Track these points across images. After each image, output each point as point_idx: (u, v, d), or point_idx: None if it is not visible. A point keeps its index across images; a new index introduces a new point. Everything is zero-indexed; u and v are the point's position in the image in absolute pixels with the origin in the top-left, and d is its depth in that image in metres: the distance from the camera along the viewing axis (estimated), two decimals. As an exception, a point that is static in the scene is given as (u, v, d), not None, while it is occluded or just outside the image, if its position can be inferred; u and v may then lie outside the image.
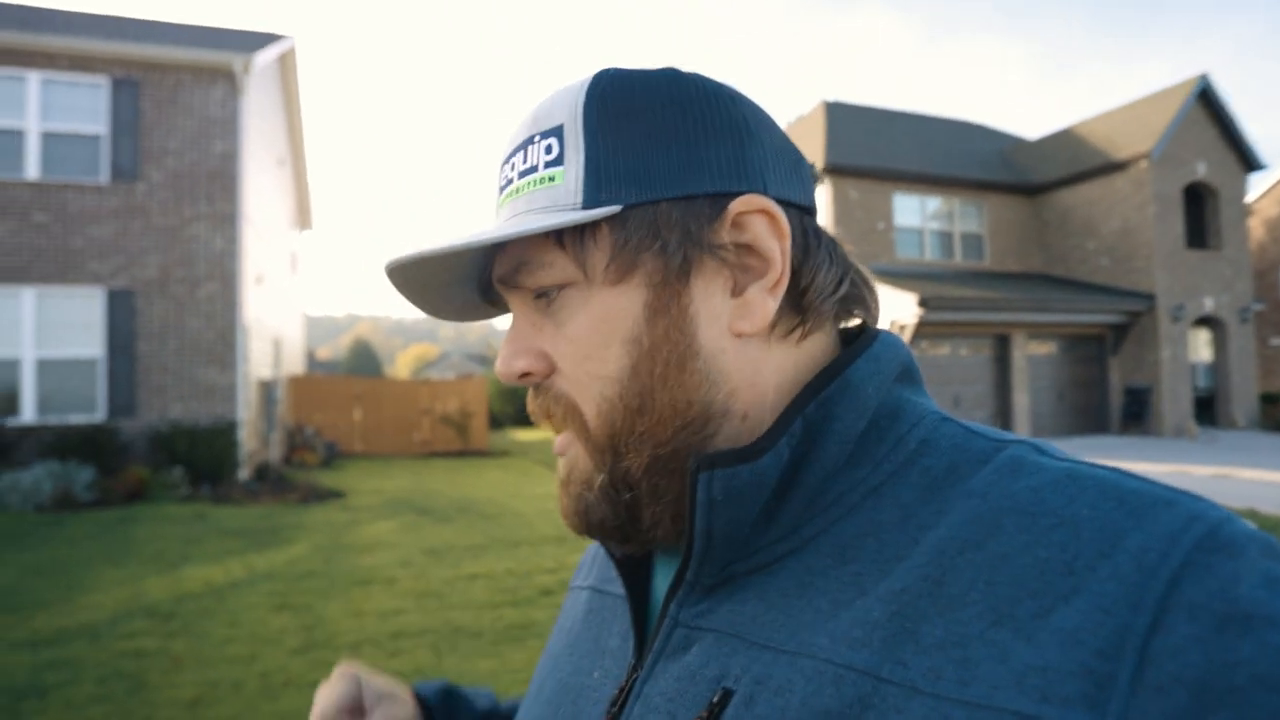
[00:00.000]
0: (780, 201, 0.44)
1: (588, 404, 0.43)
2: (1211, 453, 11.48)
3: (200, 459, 8.97)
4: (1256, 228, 24.38)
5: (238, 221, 10.03)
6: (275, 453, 12.22)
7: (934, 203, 15.32)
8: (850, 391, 0.42)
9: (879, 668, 0.33)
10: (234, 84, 10.16)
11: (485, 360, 58.91)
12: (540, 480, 11.19)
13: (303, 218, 18.14)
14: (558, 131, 0.44)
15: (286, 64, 13.59)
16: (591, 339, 0.43)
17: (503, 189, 0.47)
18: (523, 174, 0.45)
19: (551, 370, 0.45)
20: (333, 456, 13.69)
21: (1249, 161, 15.43)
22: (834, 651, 0.35)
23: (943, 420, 0.43)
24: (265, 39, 11.72)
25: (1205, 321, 15.18)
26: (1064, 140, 16.76)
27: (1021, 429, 13.56)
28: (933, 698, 0.32)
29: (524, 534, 6.97)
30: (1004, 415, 13.75)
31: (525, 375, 0.45)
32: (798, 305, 0.45)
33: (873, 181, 14.45)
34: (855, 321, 0.49)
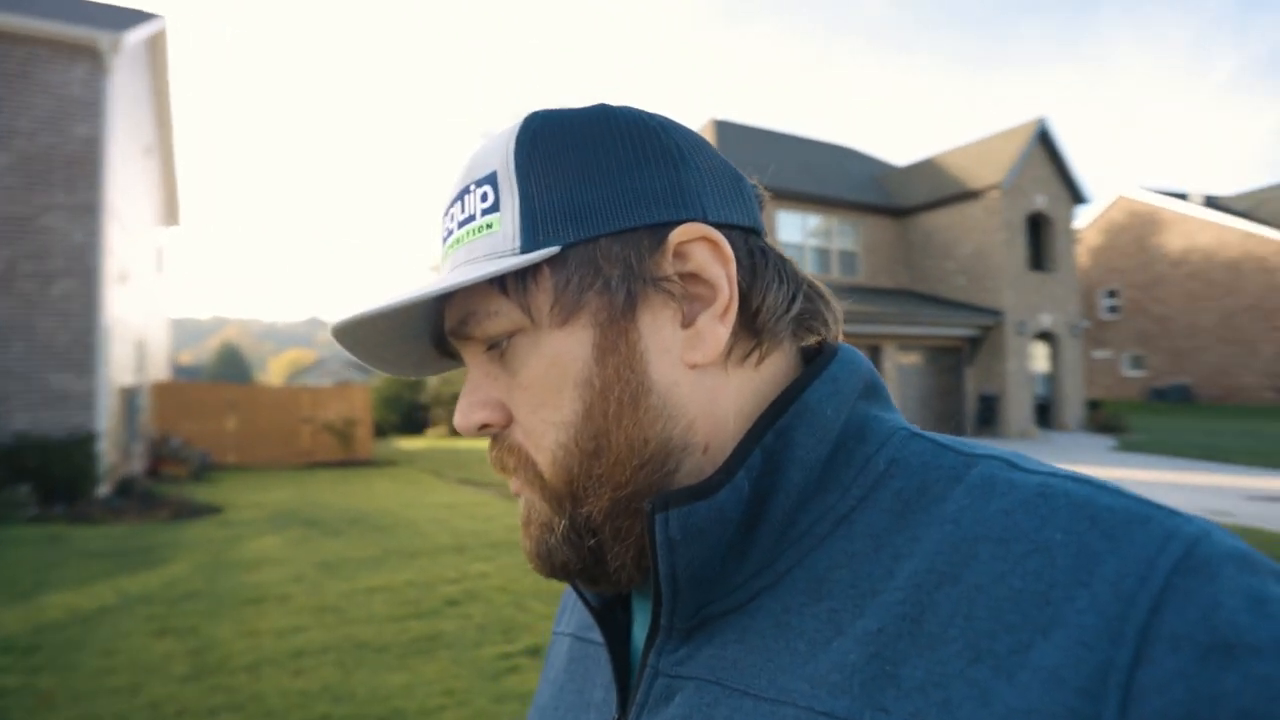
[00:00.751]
0: (722, 225, 0.43)
1: (542, 453, 0.43)
2: (1049, 452, 12.96)
3: (53, 475, 8.15)
4: (1082, 254, 27.75)
5: (100, 213, 9.21)
6: (137, 465, 11.26)
7: (814, 221, 16.35)
8: (808, 416, 0.41)
9: (859, 715, 0.33)
10: (99, 63, 9.33)
11: (364, 367, 56.27)
12: (431, 489, 10.97)
13: (170, 212, 16.77)
14: (491, 179, 0.43)
15: (156, 46, 12.60)
16: (544, 385, 0.42)
17: (444, 240, 0.46)
18: (461, 224, 0.44)
19: (509, 420, 0.44)
20: (204, 469, 12.75)
21: (1077, 195, 17.56)
22: (814, 698, 0.35)
23: (911, 436, 0.42)
24: (135, 17, 10.83)
25: (1043, 336, 17.08)
26: (927, 169, 18.38)
27: (891, 433, 14.71)
28: None
29: (420, 545, 6.87)
30: (876, 421, 14.86)
31: (484, 427, 0.45)
32: (751, 328, 0.44)
33: (760, 199, 15.22)
34: (814, 339, 0.48)
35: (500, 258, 0.42)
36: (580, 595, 0.49)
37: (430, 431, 24.05)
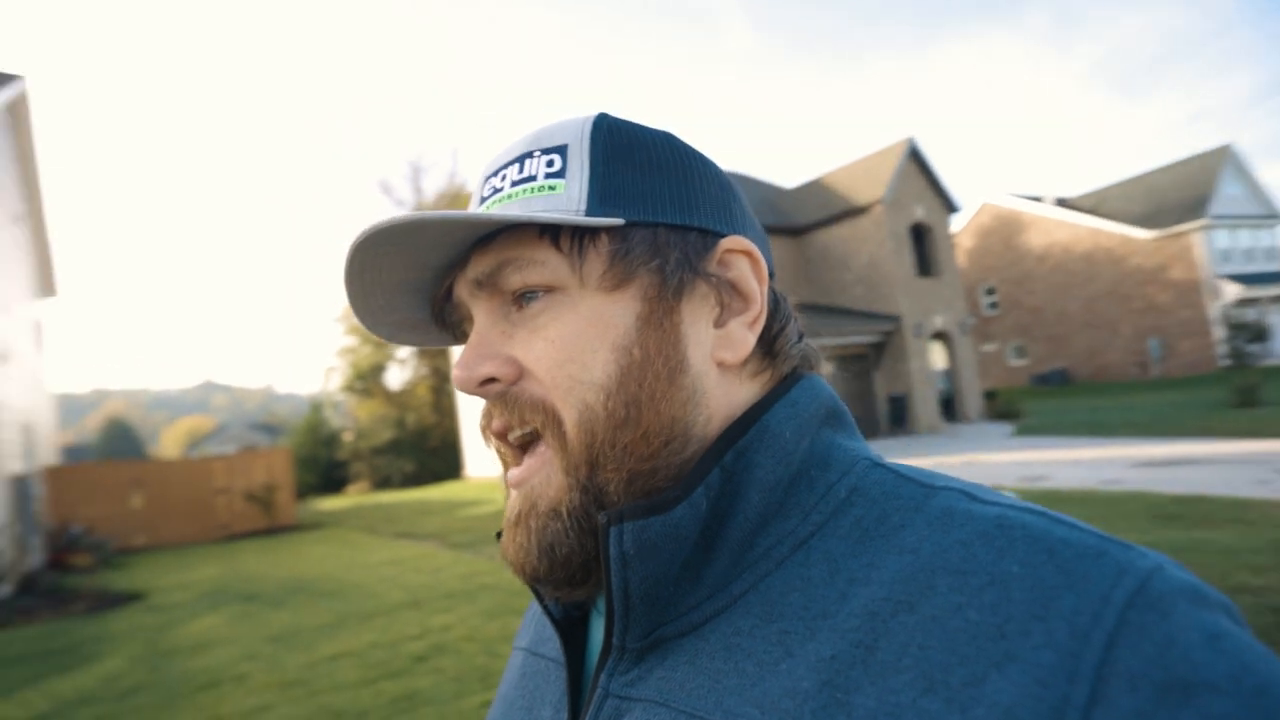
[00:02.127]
0: None
1: (567, 409, 0.42)
2: (957, 444, 13.95)
3: (-54, 581, 7.41)
4: (960, 257, 30.23)
5: (-26, 294, 8.54)
6: (36, 559, 10.33)
7: (720, 245, 17.05)
8: (768, 438, 0.42)
9: None
10: (-39, 135, 8.72)
11: (270, 429, 53.28)
12: (368, 548, 10.63)
13: (45, 283, 15.58)
14: (561, 149, 0.45)
15: (18, 109, 11.83)
16: (576, 342, 0.42)
17: (485, 199, 0.46)
18: (517, 183, 0.45)
19: (519, 376, 0.44)
20: (112, 554, 11.82)
21: (950, 204, 19.18)
22: None
23: (873, 466, 0.42)
24: (-5, 82, 10.18)
25: (938, 336, 18.43)
26: (815, 189, 19.63)
27: (813, 440, 15.40)
28: None
29: (373, 605, 6.71)
30: (797, 430, 15.53)
31: (489, 382, 0.44)
32: (769, 349, 0.47)
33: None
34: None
35: (562, 214, 0.43)
36: (544, 608, 0.48)
37: (352, 489, 23.11)
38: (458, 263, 0.46)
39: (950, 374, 18.59)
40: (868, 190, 17.65)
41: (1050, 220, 28.43)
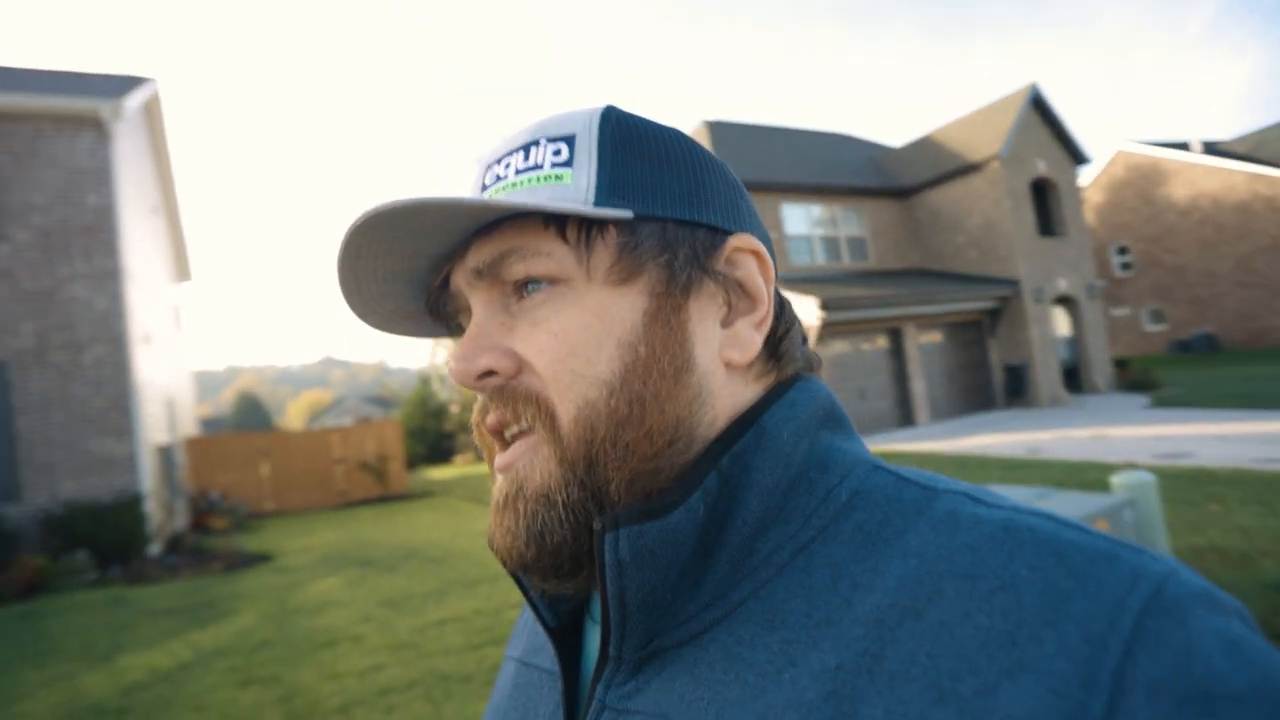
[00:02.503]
0: None
1: (565, 404, 0.41)
2: (1084, 416, 12.86)
3: (106, 539, 8.22)
4: (1088, 214, 27.53)
5: (120, 278, 9.33)
6: (181, 522, 11.34)
7: (817, 210, 16.33)
8: (766, 440, 0.41)
9: None
10: (102, 131, 9.47)
11: (383, 402, 56.57)
12: (474, 517, 10.99)
13: (181, 268, 16.96)
14: (569, 139, 0.44)
15: (152, 108, 12.77)
16: (581, 336, 0.41)
17: (487, 187, 0.45)
18: (521, 171, 0.44)
19: (518, 370, 0.42)
20: (245, 519, 12.84)
21: (1077, 156, 17.47)
22: None
23: (874, 469, 0.42)
24: (129, 83, 10.99)
25: (1062, 300, 16.98)
26: (925, 147, 18.36)
27: (921, 413, 14.64)
28: None
29: (478, 573, 6.88)
30: (905, 402, 14.79)
31: (487, 375, 0.42)
32: (774, 351, 0.46)
33: (761, 194, 15.23)
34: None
35: (570, 204, 0.41)
36: (539, 616, 0.46)
37: (458, 459, 24.10)
38: (456, 251, 0.45)
39: (1075, 341, 17.12)
40: (983, 145, 16.32)
41: (1197, 168, 25.41)
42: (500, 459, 0.43)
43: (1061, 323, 17.37)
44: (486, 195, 0.45)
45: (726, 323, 0.45)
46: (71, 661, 5.16)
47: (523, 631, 0.56)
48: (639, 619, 0.39)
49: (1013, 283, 15.55)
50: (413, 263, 0.45)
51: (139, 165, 11.88)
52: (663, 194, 0.43)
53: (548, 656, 0.49)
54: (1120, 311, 27.60)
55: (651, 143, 0.45)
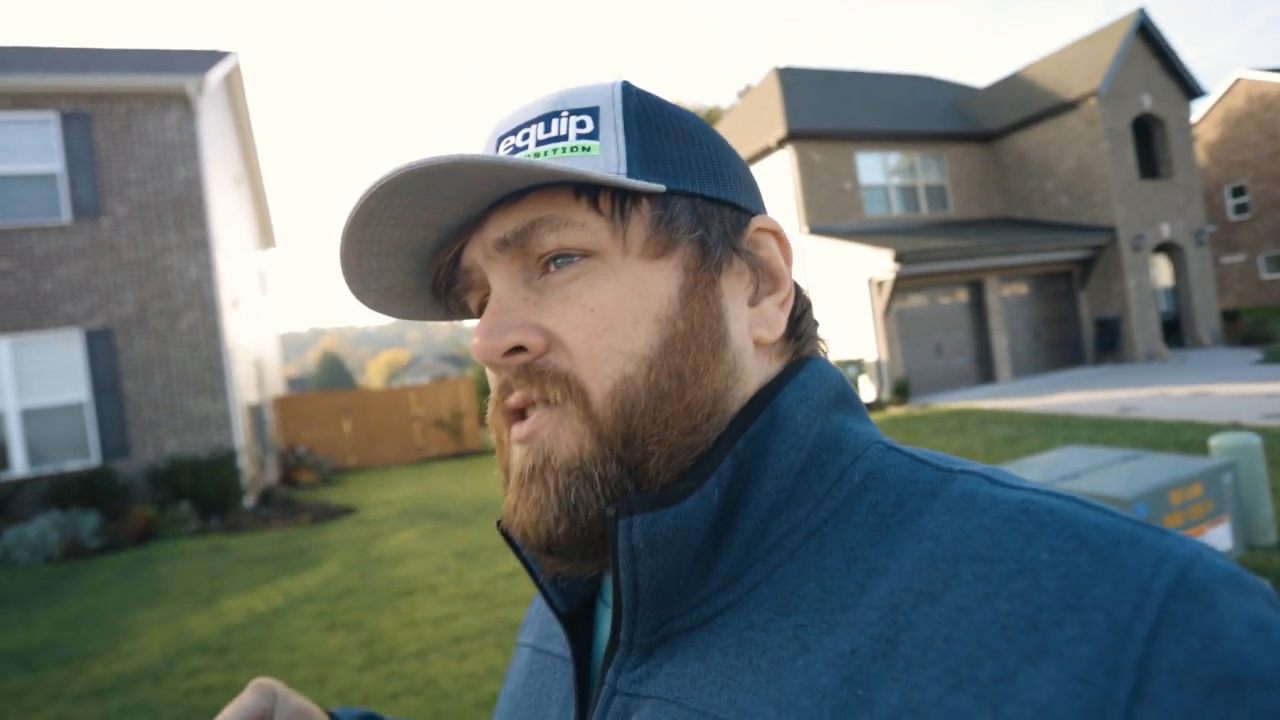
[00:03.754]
0: None
1: (600, 381, 0.39)
2: (1184, 373, 11.98)
3: (205, 491, 8.86)
4: (1199, 152, 25.15)
5: (210, 247, 9.83)
6: (272, 476, 12.09)
7: (895, 158, 15.56)
8: (780, 423, 0.40)
9: None
10: (188, 106, 9.89)
11: (458, 360, 58.46)
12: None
13: (265, 236, 17.75)
14: (592, 111, 0.42)
15: (233, 81, 13.22)
16: (617, 311, 0.40)
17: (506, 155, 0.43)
18: (543, 142, 0.42)
19: (547, 347, 0.40)
20: (330, 473, 13.58)
21: (1190, 89, 15.91)
22: None
23: (888, 450, 0.41)
24: (212, 57, 11.40)
25: (1164, 248, 15.73)
26: (1013, 85, 17.10)
27: (1003, 370, 13.98)
28: None
29: (548, 527, 7.05)
30: (985, 358, 14.14)
31: (514, 351, 0.40)
32: (794, 331, 0.47)
33: (834, 143, 14.61)
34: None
35: (613, 175, 0.40)
36: (550, 602, 0.46)
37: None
38: (471, 223, 0.43)
39: (1178, 292, 15.88)
40: (1079, 81, 15.05)
41: (1327, 97, 22.82)
42: (520, 429, 0.41)
43: (1164, 272, 16.13)
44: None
45: (753, 301, 0.44)
46: (178, 603, 5.61)
47: (536, 618, 0.56)
48: (651, 605, 0.38)
49: (1108, 230, 14.47)
50: (421, 235, 0.43)
51: (223, 137, 12.38)
52: (691, 170, 0.43)
53: (560, 643, 0.49)
54: (1233, 259, 25.33)
55: (674, 120, 0.44)
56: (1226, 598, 0.28)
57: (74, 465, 8.91)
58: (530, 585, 5.16)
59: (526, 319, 0.41)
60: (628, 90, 0.44)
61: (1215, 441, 2.94)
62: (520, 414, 0.41)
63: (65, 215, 9.27)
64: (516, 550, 0.46)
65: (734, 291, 0.43)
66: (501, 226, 0.41)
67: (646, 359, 0.39)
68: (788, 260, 0.46)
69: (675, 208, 0.42)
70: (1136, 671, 0.27)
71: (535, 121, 0.43)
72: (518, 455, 0.41)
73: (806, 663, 0.33)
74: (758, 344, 0.44)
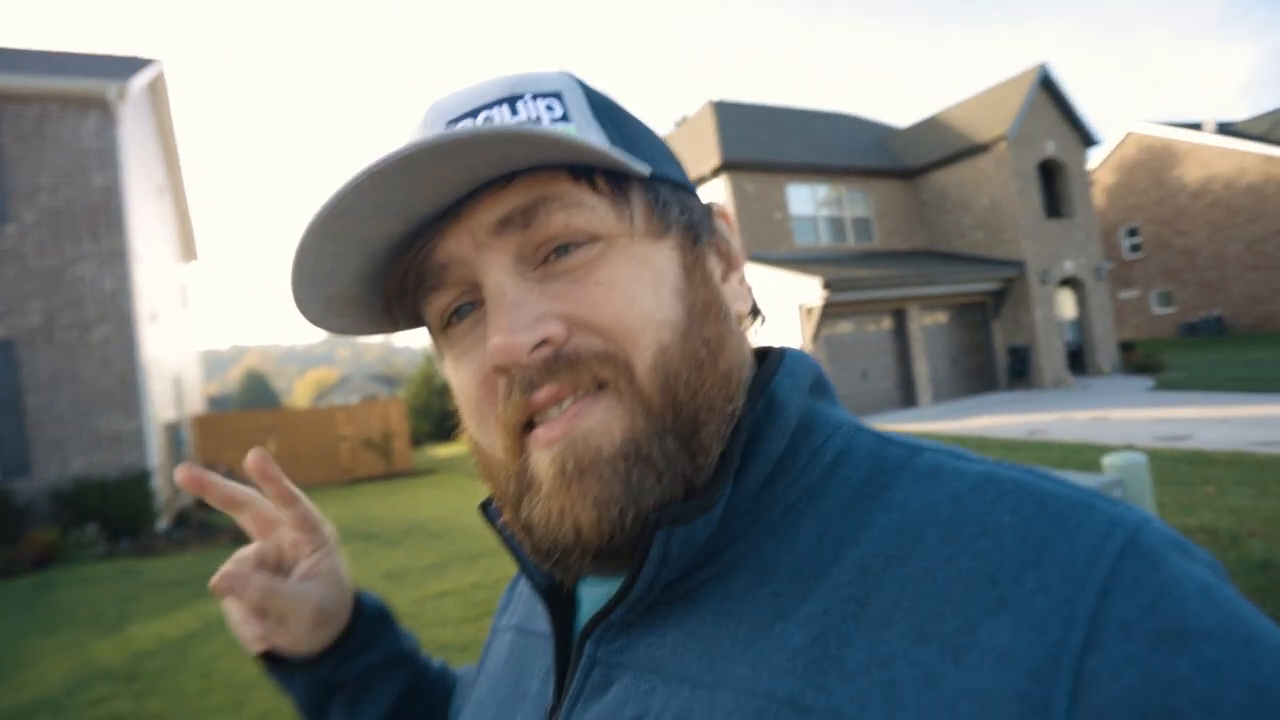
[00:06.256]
0: None
1: (640, 353, 0.38)
2: (1086, 398, 12.86)
3: (114, 513, 8.39)
4: (1097, 195, 27.25)
5: (127, 257, 9.42)
6: (188, 497, 11.52)
7: (823, 190, 16.25)
8: (775, 410, 0.41)
9: (801, 695, 0.32)
10: (108, 112, 9.51)
11: (389, 380, 56.89)
12: (477, 494, 11.03)
13: (187, 248, 17.05)
14: (557, 95, 0.41)
15: (157, 89, 12.78)
16: (637, 284, 0.39)
17: None
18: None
19: (568, 335, 0.38)
20: (251, 495, 13.02)
21: (1087, 138, 17.28)
22: (755, 680, 0.33)
23: (857, 430, 0.42)
24: (135, 64, 11.01)
25: (1068, 282, 16.90)
26: (932, 127, 18.19)
27: (924, 395, 14.66)
28: None
29: (479, 547, 6.99)
30: (907, 383, 14.81)
31: (542, 344, 0.38)
32: (751, 307, 0.48)
33: (766, 174, 15.17)
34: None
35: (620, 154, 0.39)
36: (529, 575, 0.46)
37: (462, 437, 24.27)
38: (446, 212, 0.39)
39: (1081, 324, 17.06)
40: (990, 126, 16.16)
41: (1210, 149, 25.04)
42: (551, 428, 0.38)
43: (1067, 305, 17.30)
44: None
45: (724, 279, 0.46)
46: (82, 630, 5.31)
47: (519, 601, 0.56)
48: (657, 596, 0.39)
49: (1018, 265, 15.48)
50: (388, 228, 0.39)
51: (145, 146, 11.92)
52: (659, 157, 0.44)
53: (543, 621, 0.49)
54: (1129, 294, 27.42)
55: (624, 109, 0.45)
56: (1173, 559, 0.30)
57: (-35, 486, 8.32)
58: (457, 607, 5.12)
59: (542, 309, 0.38)
60: (577, 79, 0.43)
61: (1107, 460, 3.23)
62: (528, 423, 0.39)
63: (-34, 220, 8.75)
64: (499, 530, 0.48)
65: (713, 271, 0.45)
66: (498, 206, 0.38)
67: (678, 328, 0.39)
68: (736, 241, 0.48)
69: (661, 191, 0.42)
70: (1088, 623, 0.28)
71: (497, 104, 0.41)
72: (547, 458, 0.38)
73: (782, 628, 0.34)
74: (739, 317, 0.45)
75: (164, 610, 5.69)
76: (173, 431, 11.08)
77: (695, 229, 0.44)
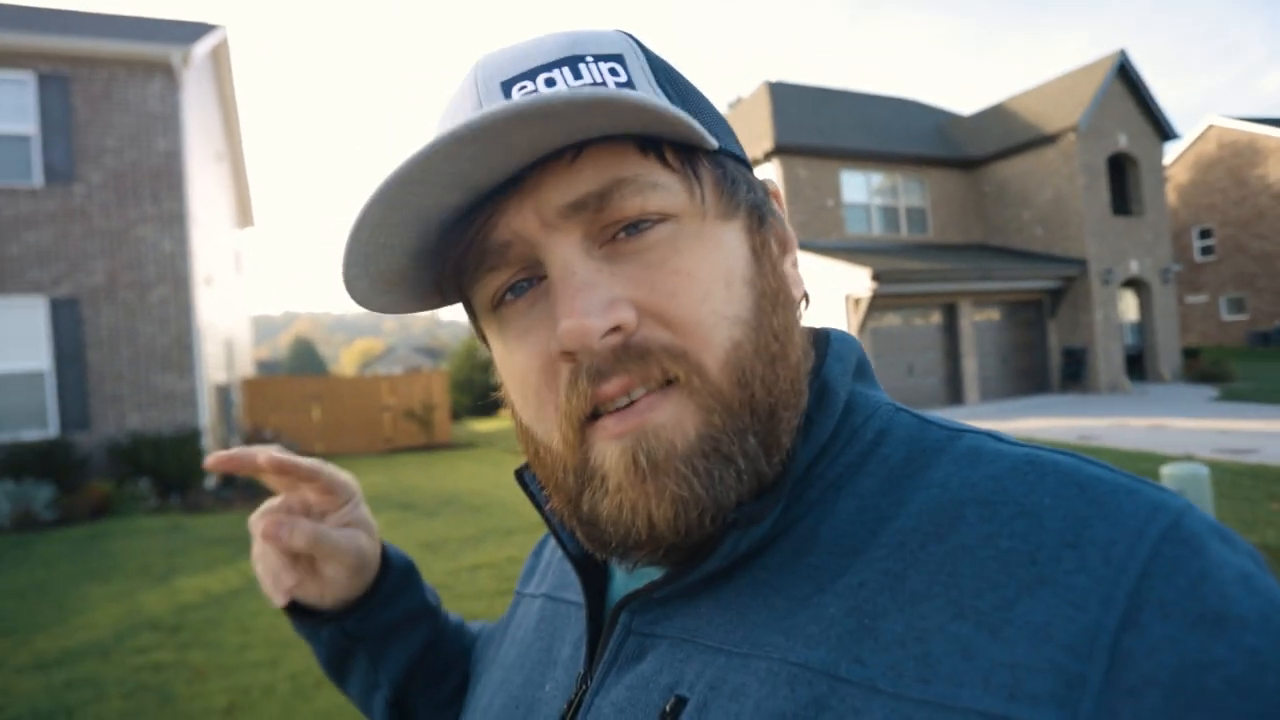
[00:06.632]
0: None
1: (713, 351, 0.36)
2: (1144, 405, 12.32)
3: (166, 469, 8.69)
4: (1170, 193, 25.89)
5: (186, 221, 9.66)
6: (237, 458, 11.87)
7: (878, 178, 15.80)
8: (828, 396, 0.41)
9: (835, 666, 0.32)
10: (173, 77, 9.73)
11: (433, 353, 57.87)
12: (513, 469, 11.21)
13: (243, 214, 17.48)
14: (619, 58, 0.39)
15: (220, 56, 13.03)
16: (710, 275, 0.37)
17: None
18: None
19: (639, 323, 0.36)
20: (296, 458, 13.37)
21: (1164, 131, 16.42)
22: (789, 650, 0.33)
23: (897, 411, 0.42)
24: (199, 29, 11.23)
25: (1131, 284, 16.17)
26: (997, 115, 17.49)
27: (971, 393, 14.25)
28: (893, 698, 0.30)
29: (515, 522, 7.04)
30: (954, 380, 14.41)
31: (614, 331, 0.36)
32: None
33: (820, 160, 14.80)
34: None
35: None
36: (562, 544, 0.46)
37: (503, 413, 24.52)
38: (507, 184, 0.37)
39: (1143, 327, 16.33)
40: (1060, 115, 15.45)
41: (1296, 148, 23.62)
42: (622, 421, 0.36)
43: (1130, 307, 16.57)
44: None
45: (777, 260, 0.44)
46: (131, 580, 5.51)
47: (549, 568, 0.57)
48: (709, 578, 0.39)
49: (1079, 263, 14.86)
50: (447, 199, 0.37)
51: (206, 112, 12.19)
52: (721, 128, 0.42)
53: (575, 590, 0.49)
54: (1196, 299, 26.13)
55: (683, 74, 0.42)
56: (1214, 546, 0.30)
57: (31, 435, 8.69)
58: (490, 580, 5.15)
59: (614, 292, 0.36)
60: (639, 43, 0.41)
61: (1167, 471, 3.04)
62: (593, 412, 0.37)
63: (37, 179, 9.06)
64: (532, 495, 0.48)
65: (778, 255, 0.43)
66: (570, 187, 0.36)
67: (749, 323, 0.38)
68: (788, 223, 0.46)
69: (728, 167, 0.40)
70: (1127, 602, 0.28)
71: (557, 65, 0.38)
72: (617, 451, 0.36)
73: (818, 600, 0.34)
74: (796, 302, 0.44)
75: (208, 566, 5.86)
76: (223, 393, 11.42)
77: (760, 209, 0.42)
